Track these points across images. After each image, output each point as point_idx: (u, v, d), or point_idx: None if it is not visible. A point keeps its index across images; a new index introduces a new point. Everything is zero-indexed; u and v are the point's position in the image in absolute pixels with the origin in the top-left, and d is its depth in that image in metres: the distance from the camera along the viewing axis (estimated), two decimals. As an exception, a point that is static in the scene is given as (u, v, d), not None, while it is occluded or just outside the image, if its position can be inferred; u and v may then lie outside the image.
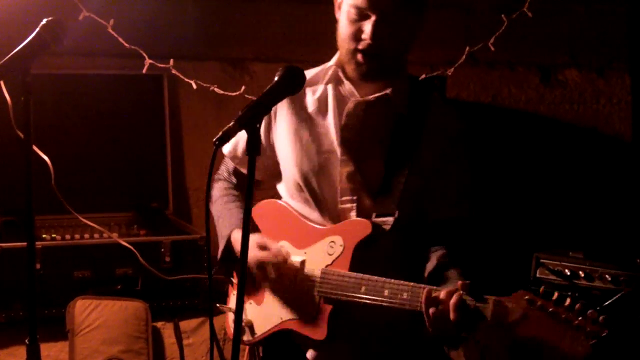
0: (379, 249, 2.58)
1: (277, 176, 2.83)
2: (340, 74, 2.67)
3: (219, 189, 2.96)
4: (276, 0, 4.39)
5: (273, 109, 2.72)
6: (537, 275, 3.54)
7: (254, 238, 2.68)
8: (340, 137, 2.64)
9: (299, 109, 2.72)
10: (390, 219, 2.57)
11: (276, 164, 2.81)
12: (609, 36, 4.64)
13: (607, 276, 3.39)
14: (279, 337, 2.74)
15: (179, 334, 3.77)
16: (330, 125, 2.67)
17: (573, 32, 4.64)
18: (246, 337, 2.82)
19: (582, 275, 3.43)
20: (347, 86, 2.66)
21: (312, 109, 2.71)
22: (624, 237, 4.23)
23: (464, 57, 4.06)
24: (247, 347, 2.92)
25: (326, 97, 2.70)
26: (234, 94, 4.03)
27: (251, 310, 2.81)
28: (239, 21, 4.37)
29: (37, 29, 2.39)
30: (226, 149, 2.90)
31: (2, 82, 3.47)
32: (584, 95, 4.67)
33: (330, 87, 2.70)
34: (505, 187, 4.51)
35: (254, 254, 2.65)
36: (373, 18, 2.49)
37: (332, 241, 2.60)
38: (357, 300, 2.49)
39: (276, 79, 2.31)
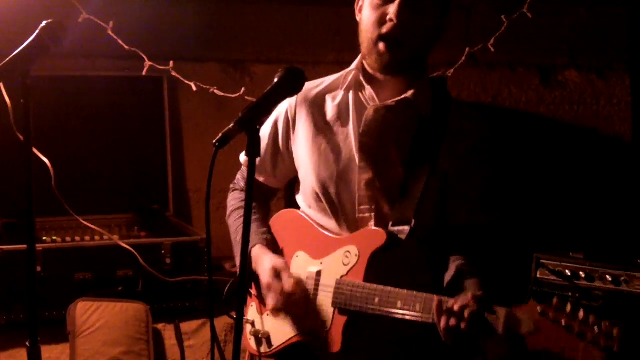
0: (395, 259, 2.55)
1: (295, 185, 2.83)
2: (361, 78, 2.63)
3: (235, 199, 2.95)
4: (276, 2, 4.39)
5: (292, 116, 2.73)
6: (538, 275, 3.54)
7: (271, 261, 2.67)
8: (359, 144, 2.60)
9: (319, 116, 2.69)
10: (406, 228, 2.53)
11: (293, 172, 2.81)
12: (609, 37, 4.64)
13: (607, 276, 3.39)
14: (296, 349, 2.71)
15: (179, 335, 3.76)
16: (349, 132, 2.63)
17: (573, 33, 4.64)
18: (263, 349, 2.79)
19: (583, 275, 3.43)
20: (368, 91, 2.63)
21: (331, 116, 2.67)
22: (625, 237, 4.23)
23: (464, 57, 4.06)
24: (247, 352, 2.91)
25: (346, 103, 2.66)
26: (234, 95, 4.03)
27: (268, 321, 2.78)
28: (239, 23, 4.37)
29: (37, 31, 2.40)
30: (243, 157, 2.90)
31: (1, 84, 3.46)
32: (584, 96, 4.67)
33: (350, 93, 2.66)
34: (505, 188, 4.51)
35: (266, 280, 2.64)
36: (398, 0, 2.46)
37: (348, 251, 2.57)
38: (371, 311, 2.46)
39: (276, 80, 2.30)
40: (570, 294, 3.44)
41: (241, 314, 2.20)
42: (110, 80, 4.19)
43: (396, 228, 2.55)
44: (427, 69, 2.68)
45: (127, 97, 4.22)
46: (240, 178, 2.98)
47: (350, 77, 2.65)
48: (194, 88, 3.96)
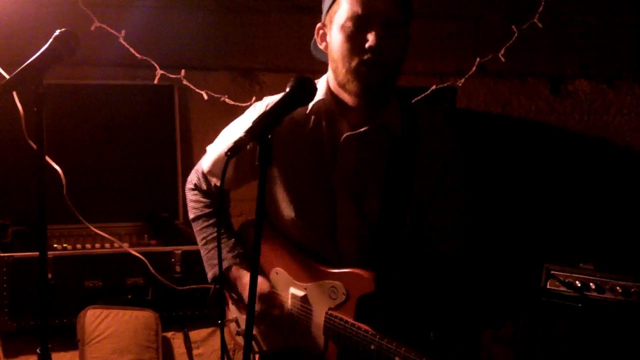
0: (384, 299, 2.56)
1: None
2: (334, 106, 2.59)
3: (197, 202, 2.92)
4: (286, 11, 4.40)
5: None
6: (548, 286, 3.54)
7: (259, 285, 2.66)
8: (335, 174, 2.58)
9: (292, 143, 2.64)
10: (392, 266, 2.55)
11: (251, 179, 2.78)
12: (619, 47, 4.63)
13: (618, 288, 3.39)
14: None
15: (189, 343, 3.77)
16: (323, 163, 2.60)
17: (583, 43, 4.63)
18: (254, 349, 2.82)
19: (593, 287, 3.43)
20: (339, 119, 2.59)
21: (304, 147, 2.63)
22: (635, 248, 4.22)
23: (474, 67, 4.06)
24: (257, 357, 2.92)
25: (317, 133, 2.61)
26: (244, 104, 4.03)
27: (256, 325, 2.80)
28: (250, 32, 4.38)
29: (50, 40, 2.41)
30: (206, 165, 2.86)
31: (15, 93, 3.48)
32: (594, 106, 4.67)
33: (321, 122, 2.61)
34: (515, 198, 4.51)
35: (258, 307, 2.65)
36: (375, 26, 2.42)
37: (334, 287, 2.56)
38: (368, 355, 2.45)
39: (287, 89, 2.31)
40: (580, 304, 3.43)
41: (251, 331, 2.20)
42: (121, 88, 4.19)
43: (379, 266, 2.54)
44: (393, 89, 2.62)
45: (138, 105, 4.22)
46: (202, 180, 2.90)
47: (319, 106, 2.60)
48: (205, 97, 3.96)
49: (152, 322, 3.65)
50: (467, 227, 2.65)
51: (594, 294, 3.43)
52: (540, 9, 3.96)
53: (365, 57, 2.44)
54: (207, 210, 2.90)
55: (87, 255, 3.67)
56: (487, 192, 4.20)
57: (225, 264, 2.77)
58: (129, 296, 3.69)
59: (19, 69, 2.36)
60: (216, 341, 3.77)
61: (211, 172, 2.85)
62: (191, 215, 2.94)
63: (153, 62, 3.86)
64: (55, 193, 3.51)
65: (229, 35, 4.37)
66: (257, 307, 2.65)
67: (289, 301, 2.69)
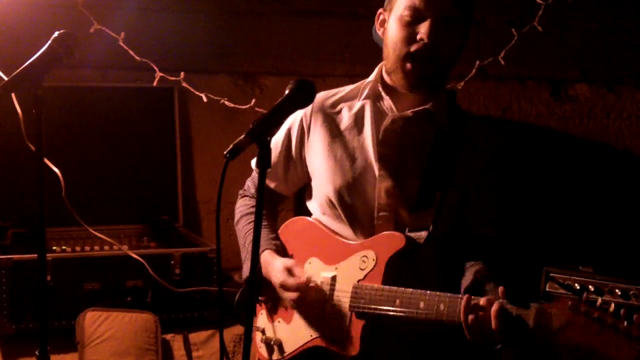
0: (412, 263, 2.55)
1: (304, 193, 2.83)
2: (380, 89, 2.64)
3: (244, 205, 2.96)
4: (287, 14, 4.40)
5: (306, 124, 2.74)
6: (547, 289, 3.53)
7: (282, 262, 2.70)
8: (378, 153, 2.61)
9: (334, 125, 2.70)
10: (423, 234, 2.54)
11: (305, 179, 2.82)
12: (620, 51, 4.63)
13: (617, 290, 3.38)
14: (309, 354, 2.71)
15: (188, 346, 3.76)
16: (366, 140, 2.64)
17: (584, 47, 4.63)
18: (275, 356, 2.80)
19: (592, 289, 3.42)
20: (386, 102, 2.64)
21: (347, 125, 2.69)
22: (634, 251, 4.22)
23: (474, 71, 4.06)
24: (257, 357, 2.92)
25: (363, 112, 2.68)
26: (244, 107, 4.04)
27: (280, 328, 2.79)
28: (250, 35, 4.38)
29: (49, 42, 2.41)
30: (255, 162, 2.90)
31: (13, 95, 3.48)
32: (595, 110, 4.66)
33: (367, 103, 2.67)
34: (515, 201, 4.50)
35: (279, 279, 2.66)
36: (430, 19, 2.46)
37: (365, 256, 2.57)
38: (392, 313, 2.45)
39: (287, 92, 2.31)
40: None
41: (250, 322, 2.20)
42: (121, 90, 4.20)
43: (414, 234, 2.55)
44: (446, 83, 2.70)
45: (137, 108, 4.23)
46: (250, 185, 2.99)
47: (368, 88, 2.67)
48: (205, 99, 3.97)
49: (151, 324, 3.65)
50: (507, 217, 2.70)
51: (593, 296, 3.43)
52: (540, 12, 3.97)
53: (414, 48, 2.49)
54: (250, 210, 2.93)
55: (86, 257, 3.67)
56: (517, 198, 4.22)
57: (262, 248, 2.77)
58: (129, 298, 3.68)
59: (18, 71, 2.36)
60: (216, 343, 3.76)
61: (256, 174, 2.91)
62: (235, 219, 2.97)
63: (153, 65, 3.87)
64: (54, 195, 3.52)
65: (229, 38, 4.37)
66: (279, 277, 2.66)
67: (320, 287, 2.67)
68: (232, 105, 4.03)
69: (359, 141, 2.66)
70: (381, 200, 2.61)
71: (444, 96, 2.67)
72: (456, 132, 2.62)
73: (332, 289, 2.63)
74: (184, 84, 3.97)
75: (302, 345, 2.70)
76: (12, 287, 3.50)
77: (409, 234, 2.55)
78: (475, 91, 4.56)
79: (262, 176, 2.16)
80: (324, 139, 2.71)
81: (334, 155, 2.68)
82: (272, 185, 2.90)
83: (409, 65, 2.52)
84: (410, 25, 2.50)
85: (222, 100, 4.02)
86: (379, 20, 2.66)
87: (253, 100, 4.02)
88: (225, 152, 2.13)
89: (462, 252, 2.64)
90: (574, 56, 4.65)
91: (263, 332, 2.83)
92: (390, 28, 2.57)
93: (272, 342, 2.78)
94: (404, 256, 2.52)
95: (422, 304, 2.38)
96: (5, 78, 3.21)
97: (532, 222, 4.44)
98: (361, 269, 2.57)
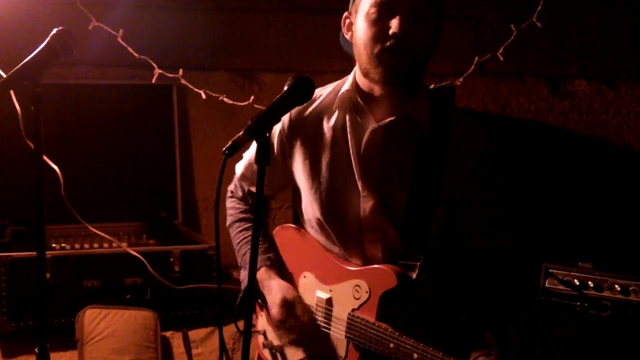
0: (407, 296, 2.51)
1: (292, 191, 2.80)
2: (358, 98, 2.55)
3: (234, 209, 2.93)
4: (286, 11, 4.40)
5: (286, 137, 2.67)
6: (546, 285, 3.53)
7: (280, 290, 2.67)
8: (360, 169, 2.54)
9: (313, 143, 2.63)
10: (416, 263, 2.49)
11: (287, 182, 2.77)
12: (619, 47, 4.63)
13: (616, 286, 3.38)
14: None
15: (188, 343, 3.76)
16: (347, 157, 2.56)
17: (582, 43, 4.63)
18: None
19: (592, 285, 3.42)
20: (365, 111, 2.55)
21: (327, 141, 2.60)
22: (634, 247, 4.22)
23: (472, 67, 4.06)
24: (257, 355, 2.92)
25: (342, 126, 2.59)
26: (242, 103, 4.04)
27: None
28: (248, 32, 4.38)
29: (48, 39, 2.40)
30: (239, 170, 2.88)
31: (12, 92, 3.48)
32: (593, 106, 4.66)
33: (345, 115, 2.58)
34: (514, 197, 4.50)
35: (278, 315, 2.65)
36: (399, 13, 2.39)
37: (358, 285, 2.54)
38: (387, 354, 2.43)
39: (286, 88, 2.30)
40: (578, 303, 3.43)
41: (249, 322, 2.20)
42: (119, 88, 4.20)
43: (406, 262, 2.50)
44: (423, 80, 2.60)
45: (136, 105, 4.23)
46: (238, 187, 2.94)
47: (344, 98, 2.58)
48: (204, 96, 3.96)
49: (151, 321, 3.65)
50: (504, 225, 2.58)
51: (593, 292, 3.42)
52: (539, 8, 3.97)
53: (388, 43, 2.41)
54: (241, 216, 2.90)
55: (85, 255, 3.67)
56: (515, 201, 4.22)
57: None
58: (128, 296, 3.68)
59: (16, 68, 2.35)
60: (215, 341, 3.77)
61: (243, 176, 2.87)
62: (228, 222, 2.94)
63: (151, 62, 3.86)
64: (53, 193, 3.51)
65: (227, 35, 4.37)
66: (279, 313, 2.65)
67: (315, 305, 2.67)
68: (231, 102, 4.03)
69: (340, 158, 2.58)
70: (367, 219, 2.56)
71: (425, 95, 2.57)
72: (440, 134, 2.52)
73: (329, 313, 2.63)
74: (183, 81, 3.97)
75: (302, 359, 2.72)
76: (11, 284, 3.50)
77: (401, 262, 2.50)
78: (473, 88, 4.56)
79: (261, 174, 2.15)
80: (305, 158, 2.64)
81: (318, 175, 2.61)
82: (253, 189, 2.84)
83: (385, 57, 2.42)
84: (379, 21, 2.42)
85: (221, 97, 4.01)
86: (346, 25, 2.59)
87: (251, 97, 4.02)
88: (224, 149, 2.12)
89: (463, 269, 2.57)
90: (572, 52, 4.65)
91: (265, 336, 2.83)
92: (359, 29, 2.49)
93: (274, 350, 2.78)
94: (397, 292, 2.48)
95: (415, 355, 2.35)
96: (4, 75, 3.21)
97: (531, 219, 4.45)
98: (355, 298, 2.55)
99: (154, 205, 4.22)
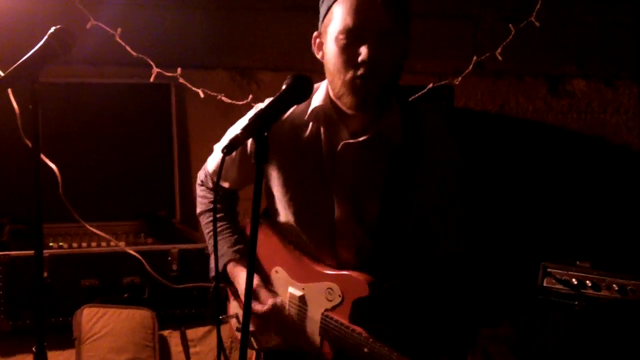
0: (379, 302, 2.54)
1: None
2: (332, 112, 2.55)
3: (204, 198, 2.94)
4: (284, 10, 4.40)
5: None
6: (544, 284, 3.53)
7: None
8: (334, 180, 2.56)
9: (290, 148, 2.62)
10: (388, 271, 2.55)
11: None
12: (617, 46, 4.63)
13: (614, 286, 3.39)
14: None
15: (185, 342, 3.77)
16: (321, 168, 2.57)
17: (581, 42, 4.63)
18: (255, 346, 2.83)
19: (589, 284, 3.42)
20: (338, 125, 2.55)
21: (302, 150, 2.60)
22: (632, 247, 4.22)
23: (471, 66, 4.05)
24: (254, 354, 2.92)
25: (316, 137, 2.58)
26: (241, 102, 4.03)
27: (254, 322, 2.81)
28: (247, 30, 4.38)
29: (46, 37, 2.39)
30: (211, 166, 2.88)
31: (10, 90, 3.47)
32: (592, 105, 4.66)
33: (319, 127, 2.58)
34: (512, 196, 4.51)
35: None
36: (367, 39, 2.36)
37: (330, 288, 2.57)
38: (361, 356, 2.45)
39: (284, 87, 2.29)
40: (576, 302, 3.43)
41: (247, 320, 2.20)
42: (117, 86, 4.20)
43: (378, 269, 2.54)
44: (396, 92, 2.56)
45: (134, 104, 4.23)
46: (209, 178, 2.92)
47: (318, 111, 2.57)
48: (202, 95, 3.96)
49: (148, 320, 3.65)
50: (468, 233, 2.64)
51: (591, 291, 3.43)
52: (538, 6, 3.96)
53: (359, 72, 2.38)
54: (211, 206, 2.90)
55: (83, 254, 3.67)
56: (484, 190, 4.20)
57: (225, 259, 2.78)
58: (126, 295, 3.68)
59: (14, 66, 2.34)
60: (213, 340, 3.78)
61: (215, 172, 2.87)
62: (198, 210, 2.96)
63: (149, 61, 3.85)
64: (51, 191, 3.50)
65: (226, 33, 4.36)
66: (256, 310, 2.68)
67: (287, 301, 2.70)
68: (229, 101, 4.02)
69: (314, 169, 2.58)
70: (340, 227, 2.58)
71: (397, 109, 2.56)
72: (412, 149, 2.53)
73: (302, 310, 2.65)
74: (181, 80, 3.96)
75: (277, 346, 2.74)
76: (8, 283, 3.50)
77: (374, 268, 2.54)
78: (472, 87, 4.56)
79: (259, 172, 2.14)
80: (280, 167, 2.64)
81: (291, 185, 2.62)
82: (226, 185, 2.87)
83: (358, 82, 2.40)
84: (349, 47, 2.39)
85: (219, 96, 4.01)
86: (316, 44, 2.57)
87: (250, 96, 4.01)
88: (222, 148, 2.12)
89: (433, 274, 2.62)
90: (571, 51, 4.65)
91: (237, 319, 2.85)
92: (329, 52, 2.47)
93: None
94: (369, 300, 2.51)
95: None
96: (2, 73, 3.21)
97: (530, 218, 4.45)
98: (328, 300, 2.58)
99: (152, 204, 4.21)
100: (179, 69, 3.93)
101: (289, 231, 2.71)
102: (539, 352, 3.57)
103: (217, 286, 2.66)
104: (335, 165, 2.56)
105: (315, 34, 2.58)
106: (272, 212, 2.76)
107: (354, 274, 2.54)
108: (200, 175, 2.97)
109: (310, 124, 2.60)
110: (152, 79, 3.88)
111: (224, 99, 4.01)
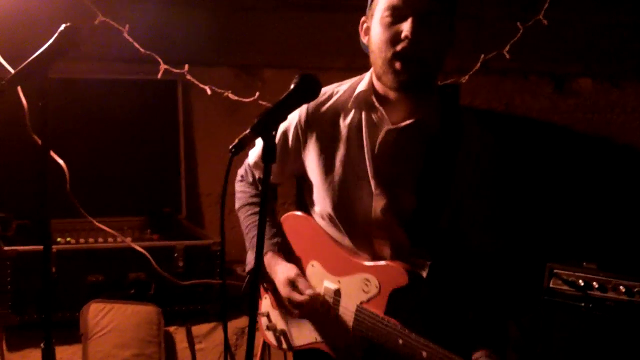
0: (416, 294, 2.53)
1: (295, 187, 2.81)
2: (373, 99, 2.56)
3: (244, 193, 2.95)
4: (289, 8, 4.40)
5: (302, 131, 2.68)
6: (551, 285, 3.53)
7: (285, 271, 2.70)
8: (374, 169, 2.56)
9: (329, 139, 2.64)
10: (426, 262, 2.53)
11: (298, 172, 2.77)
12: (624, 46, 4.63)
13: (621, 287, 3.39)
14: (313, 352, 2.75)
15: (191, 338, 3.78)
16: (362, 155, 2.58)
17: (587, 42, 4.63)
18: (284, 346, 2.84)
19: (596, 286, 3.42)
20: (379, 112, 2.55)
21: (342, 139, 2.62)
22: (638, 248, 4.21)
23: (478, 64, 4.05)
24: (259, 352, 2.93)
25: (358, 124, 2.60)
26: (247, 100, 4.04)
27: (285, 319, 2.81)
28: (252, 28, 4.38)
29: (55, 35, 2.40)
30: (252, 158, 2.89)
31: (19, 87, 3.48)
32: (598, 105, 4.66)
33: (361, 114, 2.60)
34: (518, 197, 4.51)
35: (284, 293, 2.68)
36: (411, 17, 2.39)
37: (367, 279, 2.56)
38: (394, 350, 2.44)
39: (292, 86, 2.28)
40: (582, 304, 3.43)
41: (254, 318, 2.21)
42: (125, 83, 4.21)
43: (416, 260, 2.54)
44: (437, 85, 2.61)
45: (141, 101, 4.24)
46: (248, 172, 2.95)
47: (360, 98, 2.59)
48: (209, 92, 3.96)
49: (154, 316, 3.66)
50: (502, 227, 2.65)
51: (597, 293, 3.43)
52: (546, 5, 3.96)
53: (400, 47, 2.41)
54: (251, 200, 2.91)
55: (90, 249, 3.68)
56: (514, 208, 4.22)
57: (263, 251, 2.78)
58: (132, 291, 3.69)
59: (24, 64, 2.36)
60: (218, 336, 3.78)
61: (256, 164, 2.88)
62: (237, 205, 2.95)
63: (157, 57, 3.86)
64: (58, 187, 3.51)
65: (233, 31, 4.37)
66: (284, 291, 2.68)
67: (325, 298, 2.68)
68: (236, 98, 4.03)
69: (354, 156, 2.60)
70: (377, 217, 2.58)
71: (437, 99, 2.59)
72: (451, 139, 2.55)
73: (337, 303, 2.65)
74: (188, 77, 3.96)
75: (308, 344, 2.73)
76: (16, 278, 3.51)
77: (411, 259, 2.54)
78: (478, 85, 4.56)
79: (267, 171, 2.15)
80: (320, 153, 2.65)
81: (331, 171, 2.63)
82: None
83: (397, 65, 2.43)
84: (393, 25, 2.43)
85: (226, 93, 4.02)
86: (363, 29, 2.59)
87: (257, 93, 4.02)
88: (230, 147, 2.12)
89: (467, 272, 2.60)
90: (577, 50, 4.65)
91: (268, 318, 2.85)
92: (374, 33, 2.49)
93: (277, 332, 2.80)
94: (407, 290, 2.50)
95: (424, 353, 2.36)
96: (12, 70, 3.22)
97: (536, 218, 4.45)
98: (364, 292, 2.57)
99: (158, 200, 4.23)
100: (186, 66, 3.93)
101: (328, 223, 2.71)
102: (544, 352, 3.58)
103: (254, 280, 2.59)
104: (377, 153, 2.56)
105: (362, 18, 2.60)
106: (310, 203, 2.77)
107: (392, 263, 2.54)
108: (240, 171, 2.98)
109: (353, 110, 2.61)
110: (159, 76, 3.89)
111: (231, 96, 4.02)
